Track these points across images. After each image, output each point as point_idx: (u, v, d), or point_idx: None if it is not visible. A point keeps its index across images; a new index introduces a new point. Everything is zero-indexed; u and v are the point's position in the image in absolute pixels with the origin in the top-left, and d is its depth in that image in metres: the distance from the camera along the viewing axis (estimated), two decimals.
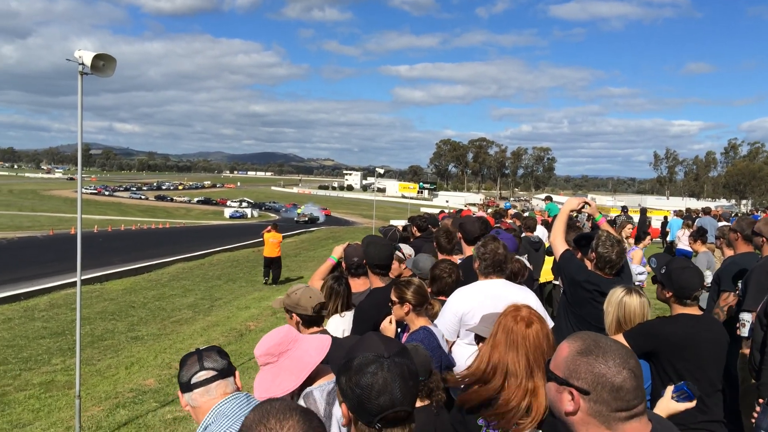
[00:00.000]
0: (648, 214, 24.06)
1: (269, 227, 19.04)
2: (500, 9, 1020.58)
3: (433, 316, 3.60)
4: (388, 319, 3.46)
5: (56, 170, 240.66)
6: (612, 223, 8.68)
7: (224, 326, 11.61)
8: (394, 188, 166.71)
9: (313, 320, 3.18)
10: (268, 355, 2.47)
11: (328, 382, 2.46)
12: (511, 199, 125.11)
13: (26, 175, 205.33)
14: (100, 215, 69.73)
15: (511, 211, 16.71)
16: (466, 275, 4.35)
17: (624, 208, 24.44)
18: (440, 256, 5.42)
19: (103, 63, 5.96)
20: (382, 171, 50.20)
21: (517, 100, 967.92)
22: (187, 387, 1.90)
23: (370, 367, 1.64)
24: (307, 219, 70.68)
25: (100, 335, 11.65)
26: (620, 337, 3.22)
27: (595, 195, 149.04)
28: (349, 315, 4.07)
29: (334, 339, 3.32)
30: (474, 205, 68.21)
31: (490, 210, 24.50)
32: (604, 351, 1.56)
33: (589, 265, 4.22)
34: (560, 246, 4.29)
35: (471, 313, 3.56)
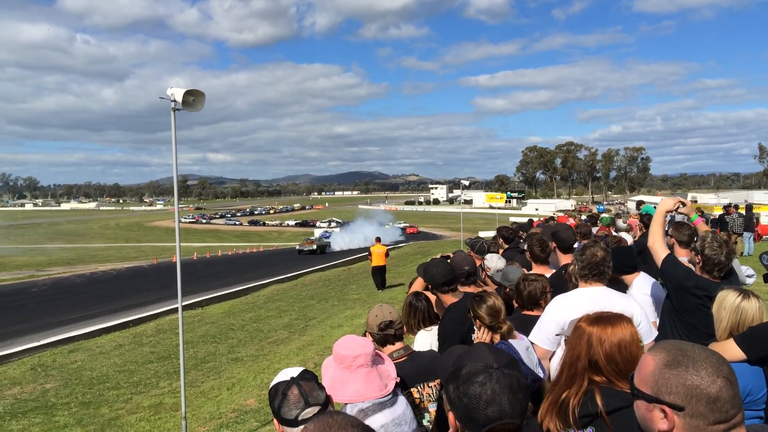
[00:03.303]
0: (755, 210, 22.47)
1: (375, 241, 22.05)
2: (578, 9, 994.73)
3: (504, 335, 3.38)
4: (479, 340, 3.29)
5: (158, 202, 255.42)
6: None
7: (319, 345, 11.76)
8: (480, 199, 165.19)
9: (380, 339, 3.12)
10: (361, 357, 2.51)
11: (365, 401, 2.49)
12: (605, 202, 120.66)
13: (131, 208, 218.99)
14: (199, 242, 73.30)
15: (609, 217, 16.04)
16: (560, 285, 4.15)
17: (728, 206, 22.90)
18: (534, 266, 5.23)
19: (193, 98, 6.27)
20: (467, 183, 49.39)
21: (605, 100, 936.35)
22: (294, 423, 1.98)
23: (479, 377, 1.63)
24: (315, 248, 50.74)
25: (203, 358, 12.13)
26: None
27: (697, 193, 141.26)
28: (435, 329, 4.05)
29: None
30: (563, 211, 66.24)
31: (584, 215, 23.71)
32: (694, 360, 1.43)
33: (695, 268, 3.94)
34: (661, 250, 4.02)
35: (571, 322, 3.38)
